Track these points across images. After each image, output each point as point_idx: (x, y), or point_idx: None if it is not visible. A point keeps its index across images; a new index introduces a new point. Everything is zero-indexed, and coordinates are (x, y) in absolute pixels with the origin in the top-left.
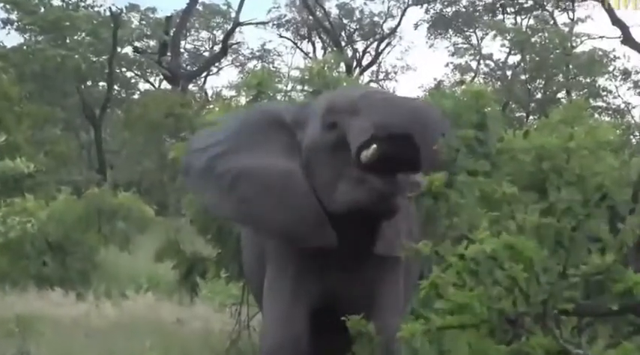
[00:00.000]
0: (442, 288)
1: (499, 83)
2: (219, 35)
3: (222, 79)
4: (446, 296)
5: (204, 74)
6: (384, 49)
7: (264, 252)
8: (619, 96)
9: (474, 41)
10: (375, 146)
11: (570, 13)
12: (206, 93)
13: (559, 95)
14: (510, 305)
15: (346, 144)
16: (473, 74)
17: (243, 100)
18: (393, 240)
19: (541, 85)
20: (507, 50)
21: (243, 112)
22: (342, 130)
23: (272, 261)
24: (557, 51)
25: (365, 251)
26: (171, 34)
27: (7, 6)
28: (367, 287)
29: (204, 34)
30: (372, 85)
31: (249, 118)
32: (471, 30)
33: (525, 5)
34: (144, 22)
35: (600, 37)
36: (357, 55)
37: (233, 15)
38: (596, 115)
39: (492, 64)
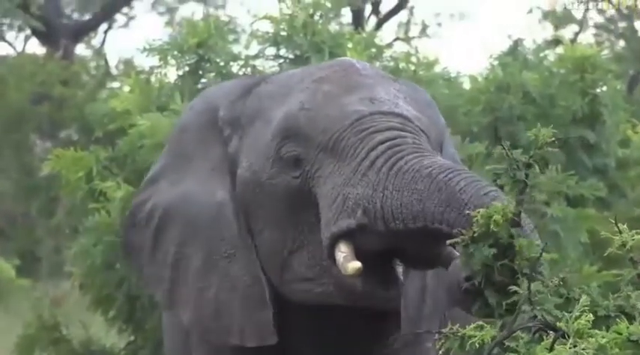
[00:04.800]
0: None
1: (622, 43)
2: None
3: (136, 37)
4: None
5: (103, 28)
6: None
7: (189, 335)
8: None
9: None
10: (357, 266)
11: None
12: (107, 62)
13: None
14: None
15: (313, 201)
16: (577, 28)
17: (172, 74)
18: (413, 321)
19: None
20: None
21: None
22: (310, 175)
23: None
24: None
25: (368, 345)
26: None
27: None
28: None
29: None
30: (399, 46)
31: (183, 122)
32: None
33: None
34: None
35: None
36: None
37: None
38: None
39: (610, 11)
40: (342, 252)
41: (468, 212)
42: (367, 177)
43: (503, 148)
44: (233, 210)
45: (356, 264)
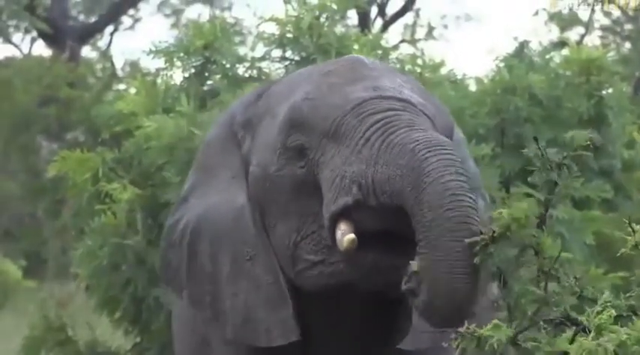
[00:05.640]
0: None
1: (628, 45)
2: None
3: (142, 39)
4: None
5: (109, 30)
6: None
7: (208, 341)
8: None
9: None
10: (351, 237)
11: None
12: (113, 64)
13: None
14: None
15: (318, 189)
16: (583, 30)
17: (178, 76)
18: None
19: None
20: None
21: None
22: (314, 162)
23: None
24: None
25: (380, 344)
26: None
27: None
28: None
29: None
30: (405, 48)
31: (207, 137)
32: None
33: None
34: None
35: None
36: None
37: None
38: None
39: (617, 13)
40: (341, 230)
41: (422, 198)
42: (362, 154)
43: (538, 148)
44: (250, 212)
45: (350, 236)
